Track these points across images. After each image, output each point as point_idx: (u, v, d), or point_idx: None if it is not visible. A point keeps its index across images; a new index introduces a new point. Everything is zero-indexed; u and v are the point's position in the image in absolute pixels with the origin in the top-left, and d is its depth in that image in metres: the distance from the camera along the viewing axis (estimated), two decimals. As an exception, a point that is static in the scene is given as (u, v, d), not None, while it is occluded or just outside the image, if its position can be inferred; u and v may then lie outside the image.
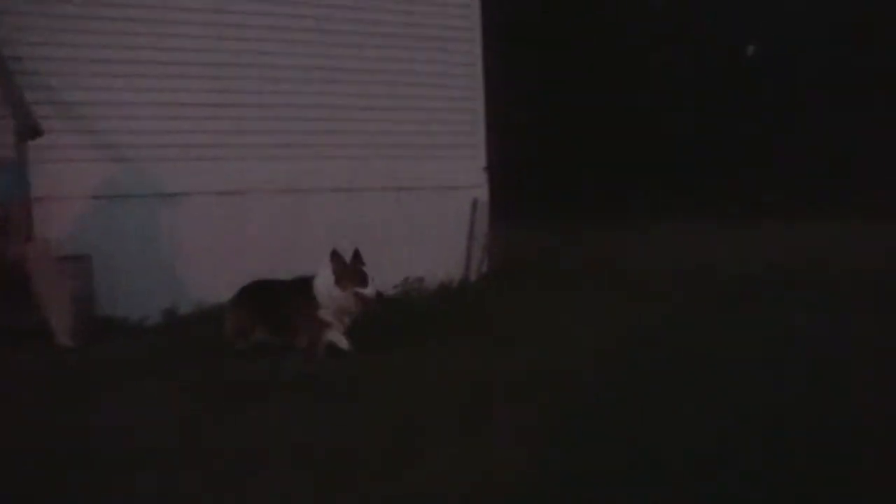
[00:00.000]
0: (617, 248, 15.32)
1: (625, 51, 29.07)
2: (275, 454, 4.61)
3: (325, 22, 10.97)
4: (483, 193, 12.04)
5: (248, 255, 10.40)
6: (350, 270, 7.42)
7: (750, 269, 12.00)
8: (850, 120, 26.99)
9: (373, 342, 7.57)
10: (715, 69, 29.15)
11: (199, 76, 10.25)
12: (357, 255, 7.51)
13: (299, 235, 10.75)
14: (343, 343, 7.56)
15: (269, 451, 4.67)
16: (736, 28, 30.53)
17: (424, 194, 11.62)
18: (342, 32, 11.09)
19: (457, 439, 4.71)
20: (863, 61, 28.17)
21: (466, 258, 11.77)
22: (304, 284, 7.62)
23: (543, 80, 27.81)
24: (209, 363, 7.17)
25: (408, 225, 11.30)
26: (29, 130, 8.33)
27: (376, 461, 4.45)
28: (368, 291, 7.42)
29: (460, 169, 11.92)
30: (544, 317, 8.88)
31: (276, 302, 7.72)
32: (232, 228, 10.46)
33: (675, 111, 28.06)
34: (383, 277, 10.67)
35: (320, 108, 10.93)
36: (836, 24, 29.45)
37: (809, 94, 28.03)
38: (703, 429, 4.76)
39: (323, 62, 10.94)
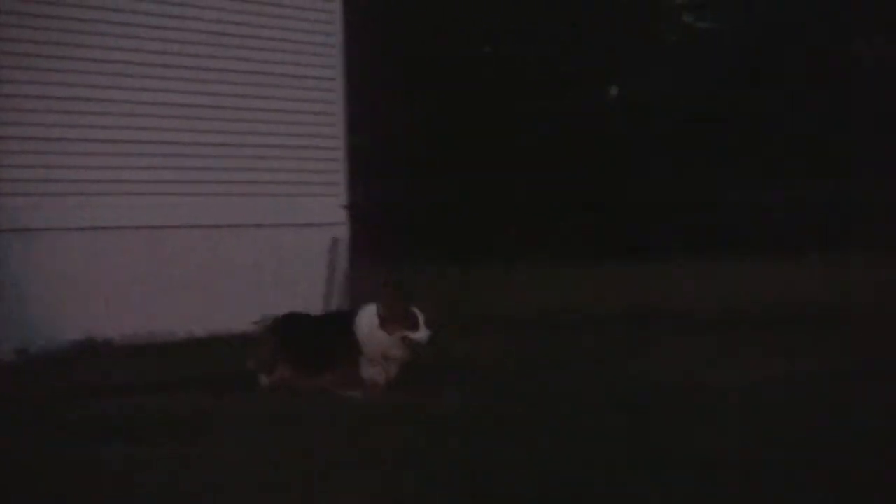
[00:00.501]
0: (479, 286, 15.83)
1: (494, 92, 29.82)
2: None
3: (184, 59, 11.25)
4: (343, 231, 12.41)
5: (105, 293, 10.59)
6: (399, 311, 6.70)
7: (601, 309, 12.53)
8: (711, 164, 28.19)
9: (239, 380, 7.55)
10: (582, 110, 30.10)
11: (63, 111, 10.43)
12: (399, 286, 6.89)
13: (158, 271, 10.98)
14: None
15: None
16: (604, 70, 31.65)
17: (284, 231, 11.94)
18: (203, 70, 11.39)
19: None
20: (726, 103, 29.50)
21: (326, 296, 12.11)
22: (342, 321, 7.00)
23: (409, 121, 28.38)
24: (73, 402, 7.12)
25: (267, 262, 11.62)
26: None
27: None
28: (420, 336, 6.68)
29: (321, 207, 12.28)
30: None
31: (308, 338, 7.14)
32: (90, 265, 10.59)
33: (542, 152, 28.84)
34: (242, 314, 11.05)
35: (179, 146, 11.19)
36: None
37: (670, 138, 29.13)
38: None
39: (183, 99, 11.21)
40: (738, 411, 6.34)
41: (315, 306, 11.84)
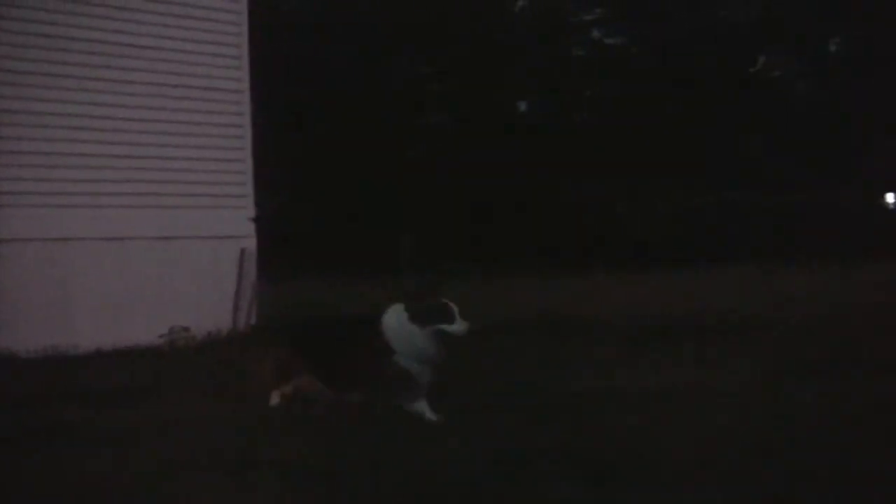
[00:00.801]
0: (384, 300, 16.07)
1: (401, 106, 30.20)
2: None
3: (92, 70, 11.37)
4: (251, 244, 12.58)
5: (10, 305, 10.65)
6: (431, 303, 6.20)
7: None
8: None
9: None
10: (482, 127, 30.56)
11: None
12: (433, 285, 6.40)
13: (64, 284, 11.07)
14: (427, 412, 6.26)
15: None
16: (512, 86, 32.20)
17: (192, 244, 12.07)
18: (111, 82, 11.53)
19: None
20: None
21: (234, 308, 12.28)
22: (369, 324, 6.35)
23: (317, 137, 28.62)
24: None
25: (175, 274, 11.76)
26: None
27: None
28: (457, 328, 6.12)
29: (229, 219, 12.44)
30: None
31: (332, 345, 6.53)
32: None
33: (448, 166, 29.23)
34: (150, 327, 11.21)
35: (86, 157, 11.30)
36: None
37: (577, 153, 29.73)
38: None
39: (91, 111, 11.33)
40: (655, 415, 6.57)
41: (224, 318, 12.05)
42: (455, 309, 6.13)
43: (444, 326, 6.08)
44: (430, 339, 6.11)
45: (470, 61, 30.92)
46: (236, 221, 12.53)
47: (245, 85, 12.71)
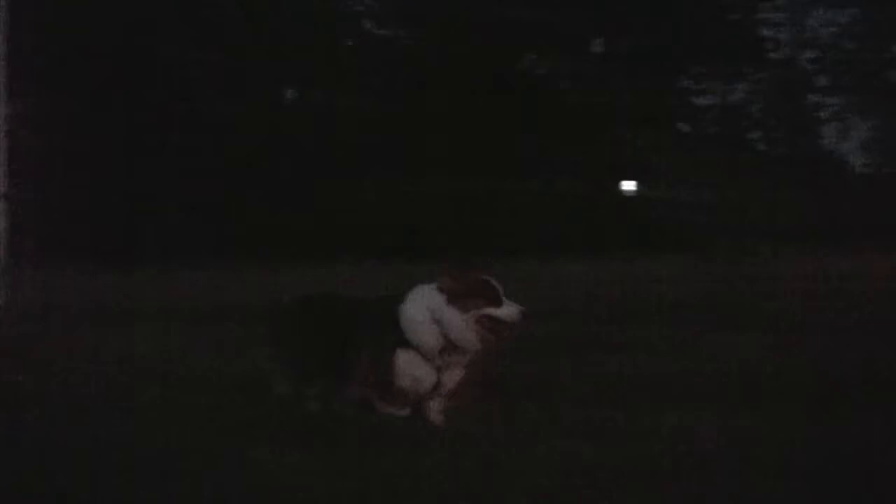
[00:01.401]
0: (136, 287, 16.15)
1: (166, 93, 30.03)
2: None
3: None
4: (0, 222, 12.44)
5: None
6: (473, 283, 4.93)
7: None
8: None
9: None
10: (256, 114, 30.72)
11: None
12: (467, 263, 5.07)
13: None
14: (436, 416, 5.09)
15: None
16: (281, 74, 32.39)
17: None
18: None
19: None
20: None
21: (-18, 287, 12.15)
22: (383, 306, 5.09)
23: (77, 117, 28.17)
24: None
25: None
26: None
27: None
28: (507, 313, 4.90)
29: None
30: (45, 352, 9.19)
31: (333, 328, 5.28)
32: None
33: (212, 154, 29.28)
34: None
35: None
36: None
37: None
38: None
39: None
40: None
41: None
42: (500, 288, 4.94)
43: (490, 311, 4.89)
44: (470, 327, 4.89)
45: (240, 48, 30.96)
46: (-16, 199, 12.38)
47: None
